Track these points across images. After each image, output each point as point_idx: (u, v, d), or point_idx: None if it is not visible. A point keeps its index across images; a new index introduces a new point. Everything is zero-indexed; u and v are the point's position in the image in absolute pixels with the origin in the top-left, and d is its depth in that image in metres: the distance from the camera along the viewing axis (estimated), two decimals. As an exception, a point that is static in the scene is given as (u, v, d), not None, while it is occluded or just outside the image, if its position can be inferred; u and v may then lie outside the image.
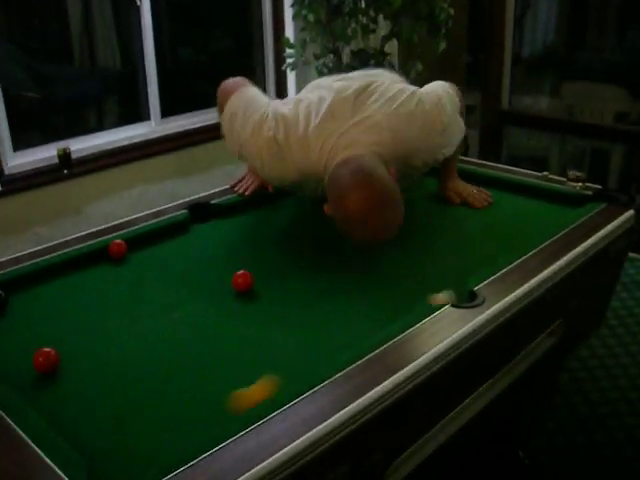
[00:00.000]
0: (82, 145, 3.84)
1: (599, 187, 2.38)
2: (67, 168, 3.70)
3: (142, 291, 1.89)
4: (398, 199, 1.80)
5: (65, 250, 2.03)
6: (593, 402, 2.77)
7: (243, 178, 2.51)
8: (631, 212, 2.16)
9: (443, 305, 1.64)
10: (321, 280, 1.91)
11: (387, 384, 1.31)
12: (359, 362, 1.39)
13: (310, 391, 1.31)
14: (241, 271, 1.81)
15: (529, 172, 2.58)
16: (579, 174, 2.40)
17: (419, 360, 1.39)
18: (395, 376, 1.33)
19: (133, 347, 1.61)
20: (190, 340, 1.63)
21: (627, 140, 4.61)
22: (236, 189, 2.47)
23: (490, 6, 4.53)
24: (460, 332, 1.51)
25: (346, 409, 1.24)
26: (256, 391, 1.34)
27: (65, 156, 3.69)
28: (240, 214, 2.35)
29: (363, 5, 3.92)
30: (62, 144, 3.73)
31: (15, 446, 1.20)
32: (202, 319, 1.73)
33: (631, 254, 3.77)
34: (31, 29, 4.08)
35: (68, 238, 2.12)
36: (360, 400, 1.27)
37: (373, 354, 1.42)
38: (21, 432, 1.23)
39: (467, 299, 1.67)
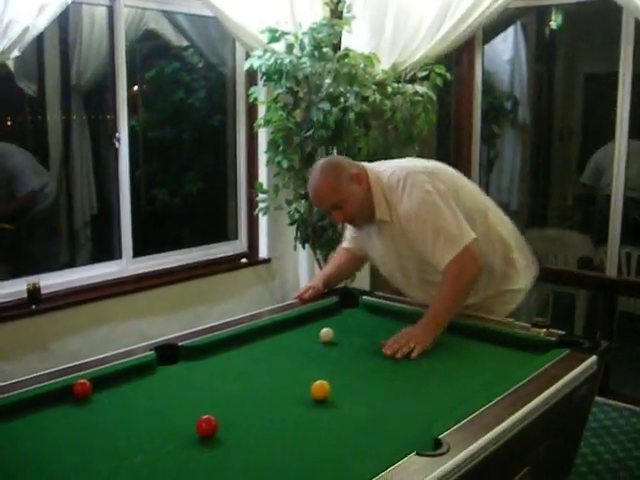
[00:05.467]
0: (52, 281, 3.85)
1: (562, 333, 2.42)
2: (36, 303, 3.69)
3: (104, 433, 1.85)
4: (333, 181, 2.57)
5: (28, 388, 2.01)
6: None
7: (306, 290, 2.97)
8: (593, 358, 2.20)
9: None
10: (287, 426, 1.90)
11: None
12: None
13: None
14: (205, 416, 1.80)
15: (493, 318, 2.63)
16: (542, 320, 2.45)
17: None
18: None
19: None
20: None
21: (591, 285, 4.71)
22: (297, 297, 2.96)
23: (456, 157, 4.72)
24: (426, 481, 1.49)
25: None
26: None
27: (34, 291, 3.68)
28: (208, 357, 2.35)
29: (335, 153, 4.07)
30: (33, 279, 3.73)
31: None
32: (164, 464, 1.69)
33: (600, 398, 3.79)
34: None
35: (32, 375, 2.10)
36: None
37: (336, 504, 1.40)
38: None
39: (432, 447, 1.66)
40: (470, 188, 2.78)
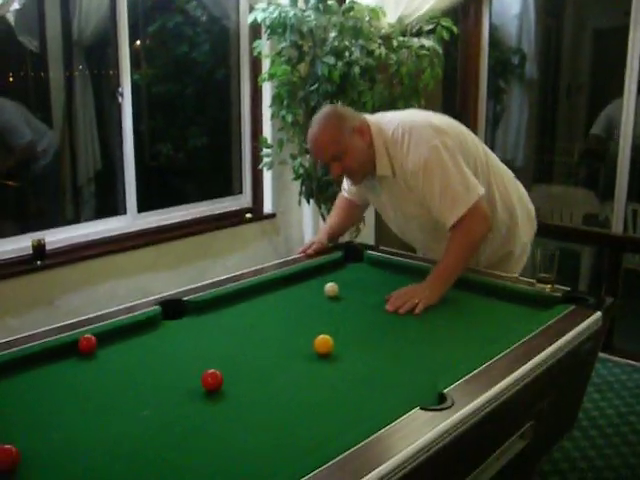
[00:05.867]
0: (57, 237, 3.85)
1: (567, 289, 2.42)
2: (41, 259, 3.69)
3: (110, 388, 1.86)
4: (334, 131, 2.49)
5: (34, 343, 2.02)
6: (566, 507, 2.74)
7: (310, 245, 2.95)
8: (598, 314, 2.19)
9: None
10: (291, 380, 1.91)
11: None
12: (322, 468, 1.38)
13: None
14: (211, 370, 1.81)
15: (499, 274, 2.62)
16: (548, 276, 2.44)
17: (385, 465, 1.37)
18: (362, 481, 1.32)
19: (99, 445, 1.57)
20: (158, 439, 1.61)
21: (596, 242, 4.70)
22: (301, 251, 2.93)
23: (462, 111, 4.68)
24: (430, 435, 1.50)
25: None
26: None
27: (39, 247, 3.68)
28: (212, 312, 2.35)
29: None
30: (37, 235, 3.73)
31: None
32: (170, 417, 1.71)
33: (603, 354, 3.80)
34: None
35: (37, 331, 2.10)
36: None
37: (339, 458, 1.41)
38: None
39: (436, 402, 1.67)
40: (472, 138, 2.72)
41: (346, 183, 2.97)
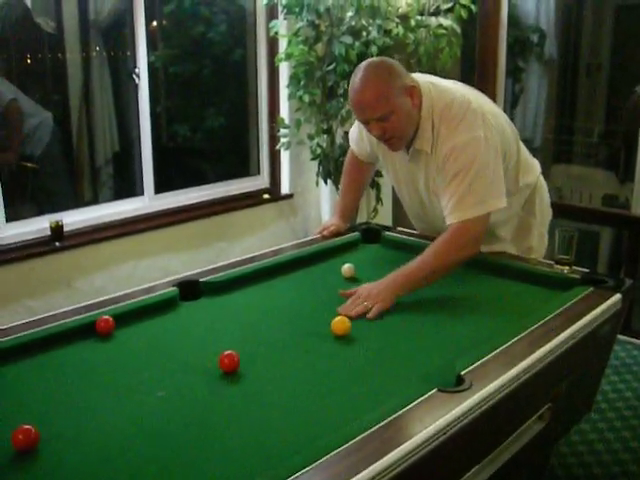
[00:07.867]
0: (75, 218, 3.87)
1: (586, 271, 2.40)
2: (59, 241, 3.71)
3: (127, 369, 1.87)
4: (385, 88, 2.22)
5: (53, 324, 2.03)
6: (583, 489, 2.73)
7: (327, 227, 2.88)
8: (618, 296, 2.17)
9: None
10: (308, 361, 1.91)
11: (369, 472, 1.30)
12: (340, 449, 1.38)
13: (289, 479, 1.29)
14: (228, 351, 1.81)
15: (516, 255, 2.60)
16: (566, 257, 2.42)
17: (403, 446, 1.37)
18: (377, 464, 1.32)
19: (116, 426, 1.59)
20: (174, 419, 1.61)
21: (616, 223, 4.66)
22: (317, 232, 2.87)
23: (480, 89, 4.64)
24: (447, 417, 1.50)
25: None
26: None
27: (57, 228, 3.71)
28: (229, 293, 2.36)
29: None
30: (55, 216, 3.75)
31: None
32: (187, 398, 1.71)
33: (622, 337, 3.78)
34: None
35: (56, 312, 2.12)
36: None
37: (357, 439, 1.41)
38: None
39: (454, 383, 1.66)
40: (511, 130, 2.55)
41: (353, 133, 2.80)
